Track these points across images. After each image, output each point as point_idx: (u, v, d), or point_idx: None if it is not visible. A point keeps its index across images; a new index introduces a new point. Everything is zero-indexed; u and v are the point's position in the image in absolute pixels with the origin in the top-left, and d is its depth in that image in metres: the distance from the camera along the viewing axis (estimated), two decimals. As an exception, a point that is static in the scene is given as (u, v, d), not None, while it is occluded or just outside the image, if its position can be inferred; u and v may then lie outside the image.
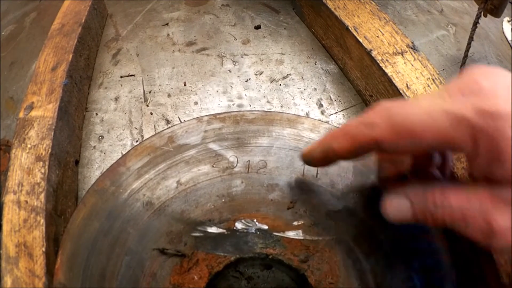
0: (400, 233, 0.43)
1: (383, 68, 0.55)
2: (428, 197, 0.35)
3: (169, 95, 0.65)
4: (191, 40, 0.73)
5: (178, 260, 0.43)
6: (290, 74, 0.67)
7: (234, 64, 0.69)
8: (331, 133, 0.38)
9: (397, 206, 0.37)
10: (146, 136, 0.59)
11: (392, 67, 0.55)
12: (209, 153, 0.48)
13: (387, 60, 0.56)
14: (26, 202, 0.42)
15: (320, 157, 0.39)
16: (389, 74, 0.54)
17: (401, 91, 0.52)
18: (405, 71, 0.54)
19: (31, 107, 0.51)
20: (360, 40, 0.59)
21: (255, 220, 0.45)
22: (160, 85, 0.66)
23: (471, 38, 0.60)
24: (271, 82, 0.66)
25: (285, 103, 0.63)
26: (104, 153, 0.58)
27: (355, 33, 0.60)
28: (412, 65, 0.55)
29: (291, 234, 0.45)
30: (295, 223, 0.45)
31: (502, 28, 0.79)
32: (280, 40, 0.73)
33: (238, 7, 0.80)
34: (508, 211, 0.31)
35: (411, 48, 0.57)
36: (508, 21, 0.79)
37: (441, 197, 0.34)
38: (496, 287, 0.40)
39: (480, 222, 0.32)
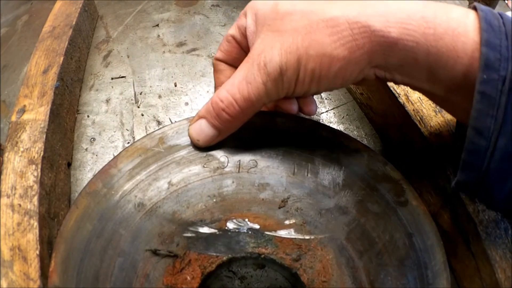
0: (393, 231, 0.43)
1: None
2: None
3: (160, 96, 0.65)
4: (182, 41, 0.74)
5: (170, 261, 0.43)
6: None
7: (225, 64, 0.69)
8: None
9: (196, 127, 0.47)
10: (137, 137, 0.60)
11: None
12: (199, 153, 0.48)
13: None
14: (20, 205, 0.42)
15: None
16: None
17: (391, 88, 0.52)
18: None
19: (23, 110, 0.51)
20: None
21: (246, 220, 0.45)
22: (150, 86, 0.66)
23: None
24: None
25: (276, 102, 0.63)
26: (96, 155, 0.58)
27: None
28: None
29: (282, 233, 0.45)
30: (287, 222, 0.46)
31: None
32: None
33: (228, 7, 0.80)
34: None
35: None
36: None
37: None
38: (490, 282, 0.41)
39: None
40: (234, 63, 0.50)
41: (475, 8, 0.35)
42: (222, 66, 0.50)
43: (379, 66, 0.38)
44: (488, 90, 0.32)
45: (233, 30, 0.48)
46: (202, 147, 0.47)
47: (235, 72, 0.43)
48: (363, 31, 0.36)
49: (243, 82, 0.42)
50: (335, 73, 0.39)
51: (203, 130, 0.46)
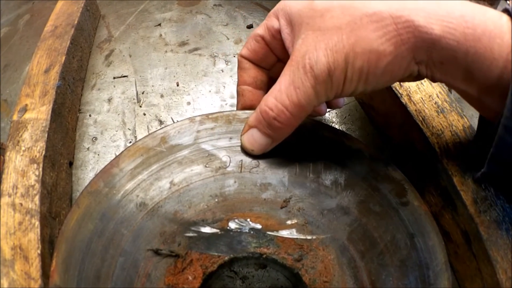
0: (395, 231, 0.43)
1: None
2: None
3: (162, 96, 0.65)
4: (184, 40, 0.74)
5: (172, 261, 0.43)
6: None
7: (226, 64, 0.69)
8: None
9: (249, 137, 0.46)
10: (139, 137, 0.60)
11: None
12: (201, 153, 0.48)
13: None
14: (21, 204, 0.42)
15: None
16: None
17: (393, 88, 0.52)
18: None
19: (24, 110, 0.51)
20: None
21: (248, 220, 0.45)
22: (153, 86, 0.66)
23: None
24: (264, 81, 0.66)
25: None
26: (98, 155, 0.58)
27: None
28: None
29: (284, 233, 0.45)
30: (289, 222, 0.45)
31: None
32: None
33: (230, 6, 0.80)
34: None
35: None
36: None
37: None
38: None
39: None
40: (259, 63, 0.49)
41: (506, 11, 0.36)
42: (247, 64, 0.50)
43: (422, 63, 0.38)
44: None
45: (261, 30, 0.47)
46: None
47: (280, 77, 0.42)
48: (407, 25, 0.36)
49: (291, 88, 0.41)
50: (383, 69, 0.38)
51: (256, 140, 0.46)
